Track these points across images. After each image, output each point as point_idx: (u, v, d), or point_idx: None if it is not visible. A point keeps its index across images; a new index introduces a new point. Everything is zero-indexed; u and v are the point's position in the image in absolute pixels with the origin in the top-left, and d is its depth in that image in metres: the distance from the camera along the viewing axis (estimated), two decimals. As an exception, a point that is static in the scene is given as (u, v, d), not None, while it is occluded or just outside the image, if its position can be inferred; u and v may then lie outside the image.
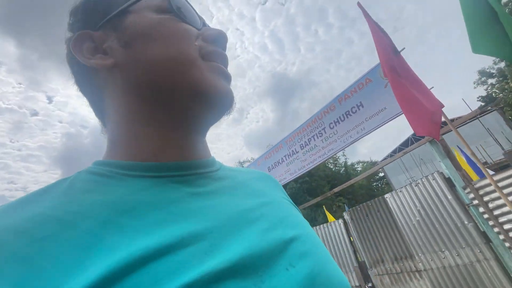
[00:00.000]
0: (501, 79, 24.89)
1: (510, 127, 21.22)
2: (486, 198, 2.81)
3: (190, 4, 0.41)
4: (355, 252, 4.23)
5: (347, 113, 4.55)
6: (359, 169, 39.18)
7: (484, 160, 15.87)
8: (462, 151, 6.68)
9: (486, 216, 2.81)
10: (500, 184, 2.67)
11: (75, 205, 0.27)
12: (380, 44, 2.95)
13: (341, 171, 28.40)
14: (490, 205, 2.78)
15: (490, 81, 27.86)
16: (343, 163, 29.03)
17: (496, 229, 2.74)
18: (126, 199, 0.29)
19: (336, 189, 5.50)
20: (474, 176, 5.38)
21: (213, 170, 0.39)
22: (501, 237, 2.71)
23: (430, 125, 2.68)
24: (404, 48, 3.90)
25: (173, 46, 0.35)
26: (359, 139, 4.50)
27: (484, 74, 27.81)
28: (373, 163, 34.06)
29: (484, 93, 29.53)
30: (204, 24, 0.42)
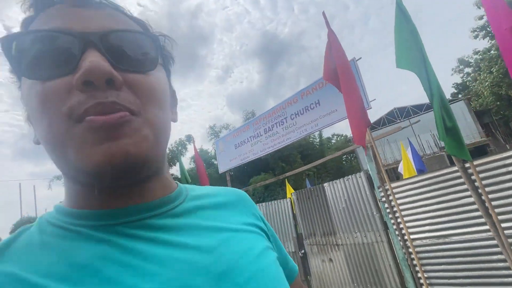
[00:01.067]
0: (476, 69, 25.88)
1: (472, 117, 22.86)
2: (391, 197, 3.59)
3: (54, 34, 0.29)
4: (295, 225, 5.10)
5: (306, 108, 5.02)
6: (333, 141, 41.22)
7: (432, 151, 17.54)
8: (411, 145, 7.56)
9: (388, 210, 3.62)
10: (401, 189, 3.44)
11: (40, 264, 0.28)
12: (333, 52, 3.28)
13: (314, 143, 29.76)
14: (392, 203, 3.58)
15: (467, 70, 28.85)
16: (318, 135, 30.32)
17: (392, 221, 3.58)
18: (83, 255, 0.29)
19: (309, 165, 6.11)
20: (412, 171, 6.26)
21: (173, 207, 0.38)
22: (394, 226, 3.56)
23: (360, 136, 3.26)
24: (360, 58, 4.32)
25: (42, 127, 0.30)
26: (312, 133, 5.08)
27: (463, 62, 28.59)
28: (347, 140, 35.75)
29: (459, 81, 30.71)
30: (87, 46, 0.29)
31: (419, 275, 3.34)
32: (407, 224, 3.46)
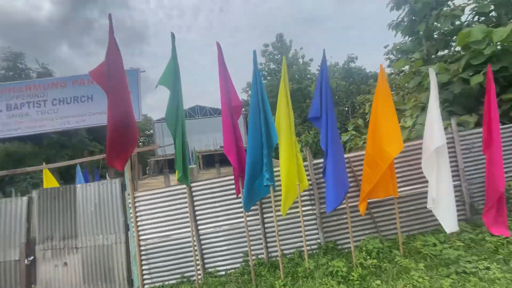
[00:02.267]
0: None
1: (246, 131, 30.66)
2: (136, 204, 4.14)
3: None
4: (28, 229, 4.33)
5: (76, 98, 4.45)
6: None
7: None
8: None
9: (132, 215, 4.12)
10: (144, 198, 4.07)
11: None
12: (110, 57, 3.13)
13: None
14: (137, 208, 4.14)
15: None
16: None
17: (133, 223, 4.12)
18: None
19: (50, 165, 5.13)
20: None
21: None
22: (133, 228, 4.13)
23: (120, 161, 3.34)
24: (144, 71, 4.47)
25: None
26: (76, 128, 4.59)
27: (249, 85, 37.37)
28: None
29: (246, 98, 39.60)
30: None
31: (144, 267, 4.13)
32: (144, 227, 4.16)
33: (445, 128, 3.70)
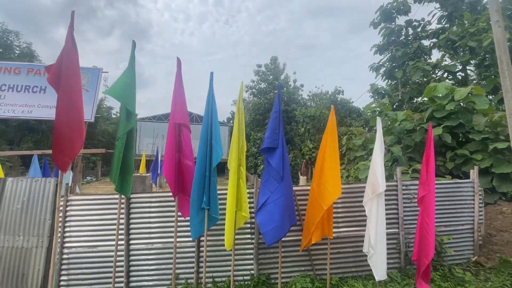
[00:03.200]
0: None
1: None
2: (68, 208, 3.89)
3: None
4: None
5: (28, 88, 4.27)
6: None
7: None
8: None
9: (61, 219, 3.85)
10: (79, 203, 3.84)
11: None
12: (63, 56, 3.01)
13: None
14: (67, 213, 3.89)
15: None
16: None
17: (60, 229, 3.85)
18: None
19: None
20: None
21: None
22: (60, 234, 3.85)
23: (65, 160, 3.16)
24: (108, 72, 4.31)
25: None
26: (19, 118, 4.35)
27: (248, 87, 35.96)
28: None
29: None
30: None
31: (62, 277, 3.82)
32: (71, 233, 3.90)
33: (398, 174, 3.79)
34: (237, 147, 3.56)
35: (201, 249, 3.97)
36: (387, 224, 4.22)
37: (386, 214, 4.24)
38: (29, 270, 3.83)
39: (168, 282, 3.87)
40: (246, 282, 3.92)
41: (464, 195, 4.46)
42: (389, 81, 12.45)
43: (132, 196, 3.99)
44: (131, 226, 3.96)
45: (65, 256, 3.87)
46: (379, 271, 3.46)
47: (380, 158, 3.61)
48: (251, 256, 4.00)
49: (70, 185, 4.06)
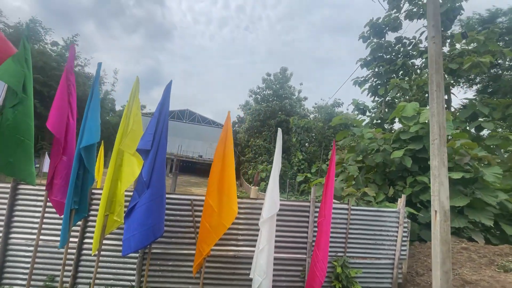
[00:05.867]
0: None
1: None
2: None
3: None
4: None
5: None
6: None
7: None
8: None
9: None
10: None
11: None
12: None
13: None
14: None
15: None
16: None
17: None
18: None
19: None
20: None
21: None
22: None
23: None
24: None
25: None
26: None
27: (252, 92, 34.66)
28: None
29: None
30: None
31: None
32: (-49, 219, 3.69)
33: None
34: (120, 137, 3.25)
35: (84, 251, 3.68)
36: (294, 249, 3.84)
37: (295, 237, 3.87)
38: None
39: (41, 284, 3.59)
40: (124, 294, 3.59)
41: (387, 225, 4.01)
42: (375, 97, 12.00)
43: (20, 187, 3.76)
44: (14, 218, 3.71)
45: None
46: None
47: (275, 175, 3.26)
48: (134, 266, 3.68)
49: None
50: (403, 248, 3.99)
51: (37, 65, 19.88)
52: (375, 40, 11.45)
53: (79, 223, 3.65)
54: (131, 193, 3.45)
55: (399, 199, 4.14)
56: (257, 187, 14.49)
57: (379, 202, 6.25)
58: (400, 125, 7.68)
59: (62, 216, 3.14)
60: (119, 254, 3.59)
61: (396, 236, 3.98)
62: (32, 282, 3.60)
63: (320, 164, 17.28)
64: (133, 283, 3.64)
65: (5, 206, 3.68)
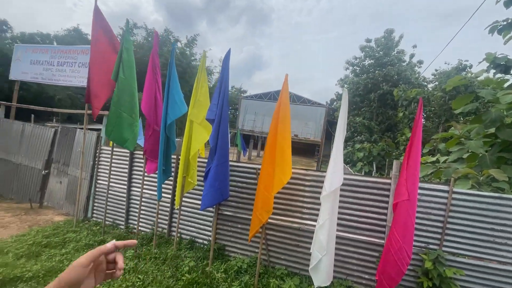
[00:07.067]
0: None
1: (325, 123, 28.81)
2: (101, 155, 5.23)
3: None
4: (50, 151, 6.16)
5: (82, 64, 5.82)
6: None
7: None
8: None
9: (97, 161, 5.25)
10: (107, 154, 5.10)
11: None
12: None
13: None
14: (101, 163, 5.24)
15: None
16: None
17: (96, 168, 5.26)
18: None
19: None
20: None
21: None
22: (95, 171, 5.27)
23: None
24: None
25: None
26: (72, 85, 6.01)
27: (349, 63, 31.03)
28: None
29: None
30: None
31: (95, 203, 5.28)
32: (101, 172, 5.25)
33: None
34: (191, 108, 3.60)
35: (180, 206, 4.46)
36: (369, 231, 3.35)
37: (370, 218, 3.35)
38: (77, 193, 5.50)
39: (149, 227, 4.63)
40: (204, 246, 4.14)
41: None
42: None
43: (136, 152, 4.88)
44: (133, 174, 4.89)
45: (97, 189, 5.29)
46: (321, 277, 2.89)
47: (339, 142, 2.82)
48: (210, 223, 4.15)
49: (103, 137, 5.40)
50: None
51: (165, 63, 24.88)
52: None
53: (171, 182, 4.42)
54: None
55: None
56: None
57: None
58: None
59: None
60: (199, 211, 4.15)
61: (534, 236, 2.74)
62: (141, 224, 4.71)
63: (437, 142, 13.93)
64: (210, 238, 4.15)
65: (127, 167, 4.90)
